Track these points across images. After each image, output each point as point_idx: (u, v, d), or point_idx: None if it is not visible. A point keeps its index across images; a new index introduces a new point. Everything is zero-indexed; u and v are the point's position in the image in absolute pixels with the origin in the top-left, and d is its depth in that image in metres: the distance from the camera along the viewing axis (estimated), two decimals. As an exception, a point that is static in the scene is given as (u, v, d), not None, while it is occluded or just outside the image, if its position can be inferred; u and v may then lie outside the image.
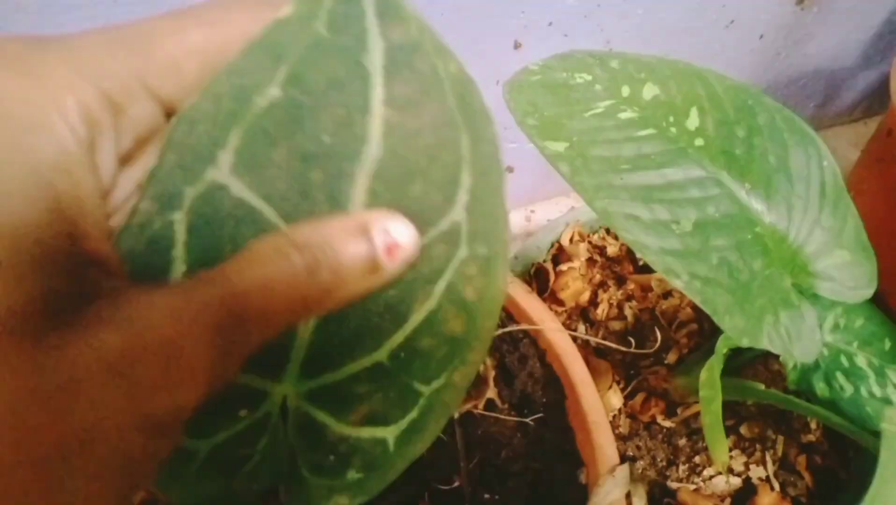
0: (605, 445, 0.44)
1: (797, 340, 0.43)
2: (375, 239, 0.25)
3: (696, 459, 0.67)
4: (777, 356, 0.67)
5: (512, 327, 0.49)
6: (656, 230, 0.43)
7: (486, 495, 0.47)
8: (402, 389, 0.30)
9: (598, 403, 0.45)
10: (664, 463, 0.68)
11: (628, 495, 0.43)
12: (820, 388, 0.52)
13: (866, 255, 0.48)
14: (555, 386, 0.50)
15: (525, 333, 0.51)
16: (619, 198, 0.43)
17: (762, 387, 0.59)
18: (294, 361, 0.31)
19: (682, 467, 0.67)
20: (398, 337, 0.30)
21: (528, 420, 0.49)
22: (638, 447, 0.66)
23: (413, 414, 0.30)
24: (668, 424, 0.69)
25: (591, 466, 0.44)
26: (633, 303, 0.75)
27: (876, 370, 0.53)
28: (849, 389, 0.51)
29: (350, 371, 0.31)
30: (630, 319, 0.75)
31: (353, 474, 0.30)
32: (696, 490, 0.65)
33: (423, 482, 0.48)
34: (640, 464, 0.67)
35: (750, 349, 0.61)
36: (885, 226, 0.74)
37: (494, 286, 0.30)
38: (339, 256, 0.24)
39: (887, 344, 0.55)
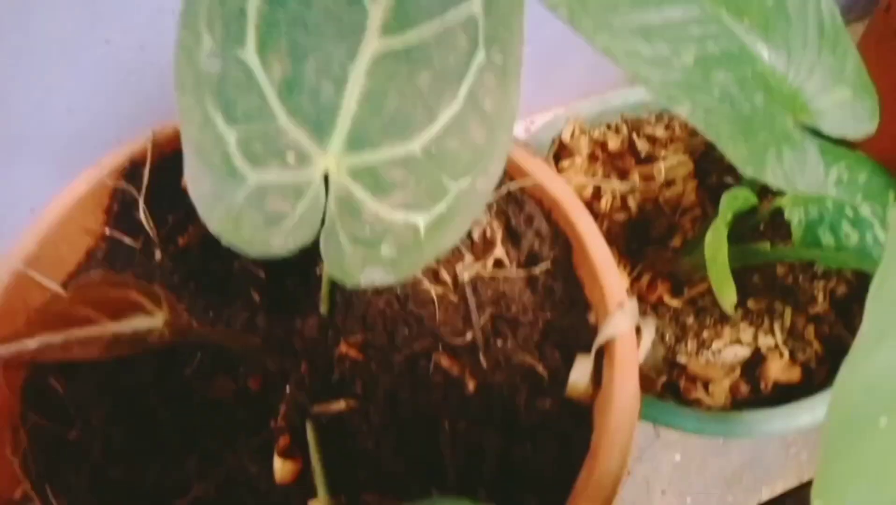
0: (612, 284, 0.44)
1: (801, 173, 0.44)
2: None
3: (705, 334, 0.68)
4: (781, 225, 0.68)
5: (518, 183, 0.49)
6: (658, 64, 0.43)
7: (500, 342, 0.48)
8: (433, 182, 0.35)
9: (604, 248, 0.46)
10: (673, 340, 0.69)
11: (638, 329, 0.43)
12: (826, 238, 0.52)
13: (867, 91, 0.48)
14: (561, 241, 0.50)
15: (530, 194, 0.51)
16: (620, 36, 0.43)
17: (768, 246, 0.59)
18: (339, 131, 0.35)
19: (690, 343, 0.68)
20: (429, 132, 0.35)
21: (536, 272, 0.50)
22: (647, 325, 0.67)
23: (442, 207, 0.35)
24: (675, 303, 0.70)
25: (601, 306, 0.44)
26: (637, 194, 0.75)
27: (880, 218, 0.53)
28: (854, 237, 0.52)
29: (388, 155, 0.35)
30: (634, 209, 0.75)
31: (386, 250, 0.34)
32: (705, 363, 0.66)
33: (437, 337, 0.49)
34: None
35: (752, 216, 0.61)
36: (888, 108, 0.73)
37: (509, 101, 0.35)
38: None
39: (891, 196, 0.56)
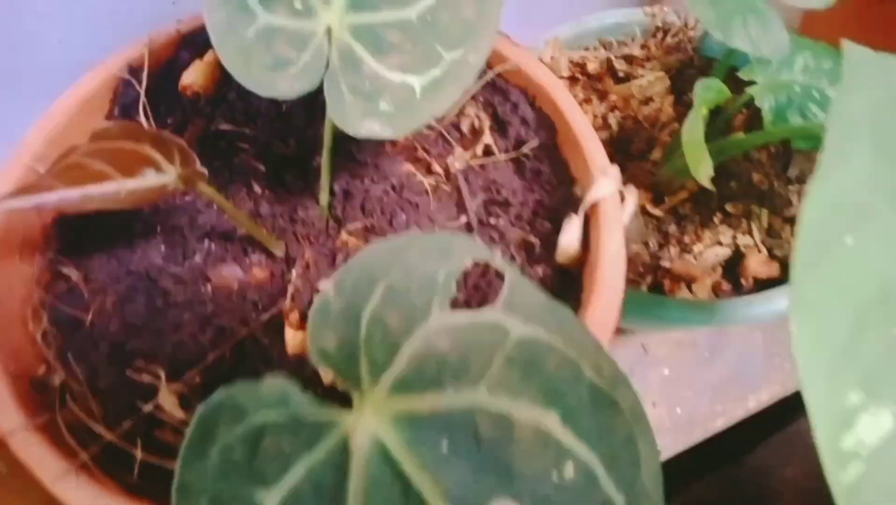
0: (594, 152, 0.47)
1: (765, 39, 0.46)
2: None
3: (686, 239, 0.71)
4: (754, 122, 0.71)
5: (503, 67, 0.52)
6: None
7: (493, 221, 0.50)
8: (427, 49, 0.38)
9: (585, 122, 0.48)
10: (656, 247, 0.72)
11: (621, 196, 0.46)
12: (795, 120, 0.55)
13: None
14: (546, 125, 0.53)
15: (515, 84, 0.54)
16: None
17: (742, 134, 0.62)
18: None
19: (673, 249, 0.71)
20: (424, 2, 0.39)
21: (523, 158, 0.52)
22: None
23: (436, 72, 0.38)
24: (656, 211, 0.73)
25: (585, 177, 0.47)
26: (617, 113, 0.78)
27: (846, 102, 0.56)
28: (822, 116, 0.55)
29: (386, 18, 0.39)
30: (615, 127, 0.78)
31: (385, 106, 0.37)
32: (688, 264, 0.69)
33: (433, 221, 0.51)
34: (633, 247, 0.71)
35: (725, 111, 0.64)
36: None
37: None
38: None
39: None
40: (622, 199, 0.47)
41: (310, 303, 0.48)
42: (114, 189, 0.37)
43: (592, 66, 0.80)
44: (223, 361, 0.45)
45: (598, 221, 0.45)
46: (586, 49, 0.82)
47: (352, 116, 0.39)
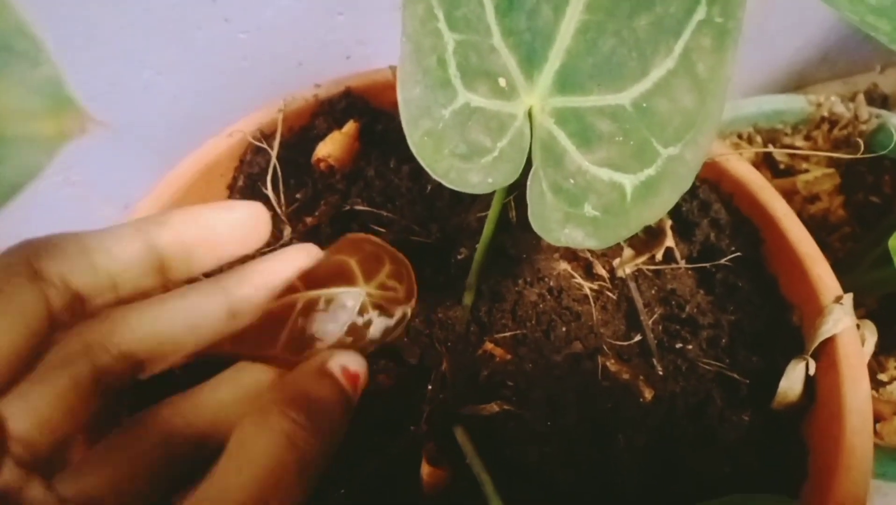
0: (823, 276, 0.37)
1: None
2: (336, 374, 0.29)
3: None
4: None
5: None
6: (884, 13, 0.37)
7: (678, 346, 0.41)
8: (641, 142, 0.32)
9: (806, 236, 0.39)
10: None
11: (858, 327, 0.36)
12: None
13: None
14: (745, 231, 0.44)
15: (704, 178, 0.45)
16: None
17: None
18: (550, 66, 0.32)
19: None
20: (641, 86, 0.32)
21: (711, 268, 0.43)
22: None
23: (650, 171, 0.32)
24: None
25: (808, 304, 0.37)
26: (774, 209, 0.68)
27: None
28: None
29: (597, 103, 0.32)
30: (771, 226, 0.68)
31: (590, 210, 0.31)
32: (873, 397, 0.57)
33: (598, 337, 0.42)
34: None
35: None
36: None
37: (724, 67, 0.32)
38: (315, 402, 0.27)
39: None
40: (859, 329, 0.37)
41: (446, 430, 0.39)
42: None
43: (748, 156, 0.71)
44: (354, 497, 0.36)
45: (835, 363, 0.35)
46: (739, 137, 0.73)
47: (552, 221, 0.31)
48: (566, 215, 0.31)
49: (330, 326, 0.30)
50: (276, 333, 0.29)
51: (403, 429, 0.40)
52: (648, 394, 0.39)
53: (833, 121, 0.72)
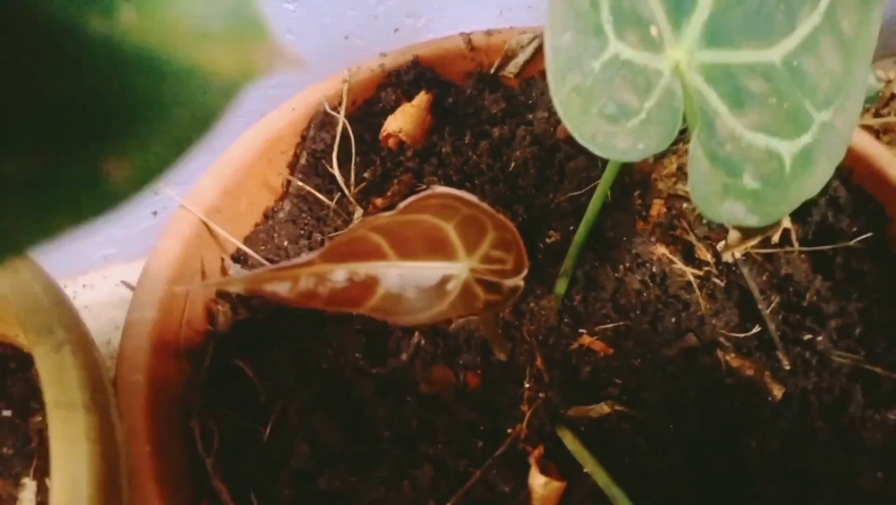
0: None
1: None
2: None
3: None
4: None
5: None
6: None
7: (806, 337, 0.37)
8: (794, 105, 0.29)
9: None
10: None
11: None
12: None
13: None
14: (869, 210, 0.39)
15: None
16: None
17: None
18: (697, 17, 0.28)
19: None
20: (788, 42, 0.29)
21: (829, 252, 0.39)
22: None
23: (806, 138, 0.29)
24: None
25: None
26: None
27: None
28: None
29: (746, 59, 0.29)
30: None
31: (749, 182, 0.28)
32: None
33: (713, 328, 0.38)
34: None
35: None
36: None
37: (869, 28, 0.29)
38: None
39: None
40: None
41: (550, 430, 0.35)
42: (364, 274, 0.25)
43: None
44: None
45: None
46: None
47: (711, 193, 0.27)
48: (725, 187, 0.27)
49: (421, 302, 0.26)
50: (360, 300, 0.25)
51: (499, 433, 0.35)
52: (778, 391, 0.35)
53: (907, 97, 0.68)
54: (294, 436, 0.34)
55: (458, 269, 0.27)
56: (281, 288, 0.23)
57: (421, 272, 0.26)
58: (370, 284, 0.25)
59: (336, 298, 0.24)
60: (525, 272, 0.27)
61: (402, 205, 0.24)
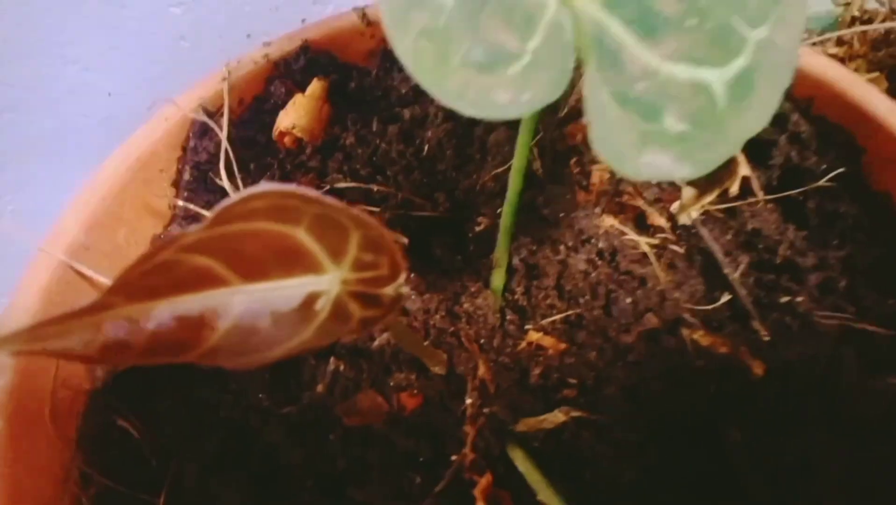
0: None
1: None
2: None
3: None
4: None
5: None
6: None
7: (783, 299, 0.31)
8: (720, 23, 0.24)
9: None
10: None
11: None
12: None
13: None
14: (837, 142, 0.34)
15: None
16: None
17: None
18: None
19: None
20: None
21: (798, 195, 0.33)
22: None
23: (740, 62, 0.23)
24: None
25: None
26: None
27: None
28: None
29: None
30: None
31: (673, 124, 0.22)
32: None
33: (675, 303, 0.32)
34: None
35: None
36: None
37: None
38: None
39: None
40: None
41: (499, 455, 0.30)
42: (221, 303, 0.19)
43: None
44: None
45: None
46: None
47: (625, 145, 0.21)
48: (642, 135, 0.22)
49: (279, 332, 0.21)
50: (194, 343, 0.19)
51: (442, 461, 0.30)
52: (758, 368, 0.30)
53: (866, 20, 0.63)
54: (194, 502, 0.28)
55: (327, 282, 0.21)
56: (75, 343, 0.18)
57: (277, 294, 0.21)
58: (206, 319, 0.19)
59: (158, 344, 0.18)
60: (403, 275, 0.22)
61: (214, 213, 0.18)
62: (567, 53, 0.21)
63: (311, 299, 0.21)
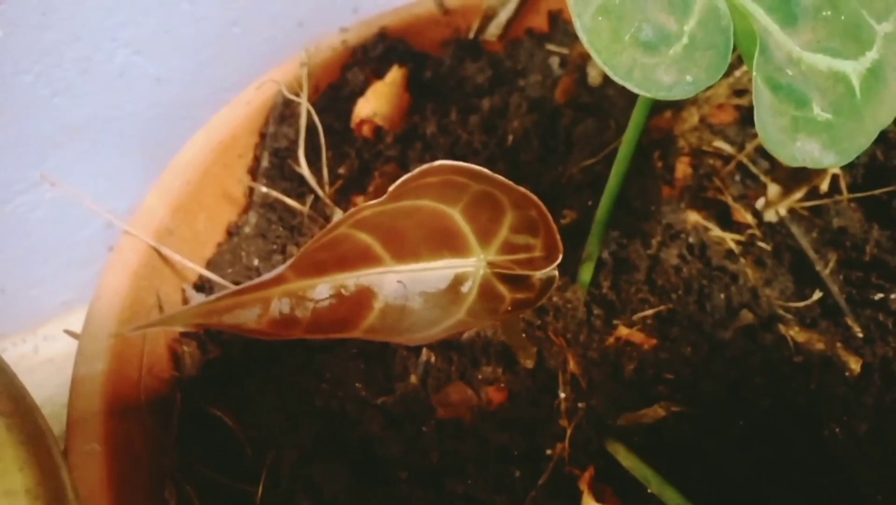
0: None
1: None
2: None
3: None
4: None
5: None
6: None
7: (877, 296, 0.31)
8: (852, 16, 0.24)
9: None
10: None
11: None
12: None
13: None
14: (926, 142, 0.34)
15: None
16: None
17: None
18: None
19: None
20: None
21: (880, 194, 0.34)
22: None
23: (873, 54, 0.24)
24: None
25: None
26: None
27: None
28: None
29: None
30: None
31: (819, 112, 0.23)
32: None
33: (768, 300, 0.32)
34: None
35: None
36: None
37: None
38: None
39: None
40: None
41: (598, 445, 0.30)
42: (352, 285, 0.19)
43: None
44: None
45: None
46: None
47: (779, 130, 0.21)
48: (795, 121, 0.22)
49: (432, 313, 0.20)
50: (354, 321, 0.19)
51: (537, 456, 0.30)
52: (855, 364, 0.30)
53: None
54: (292, 491, 0.28)
55: (472, 265, 0.21)
56: (247, 317, 0.17)
57: (426, 275, 0.20)
58: (364, 298, 0.19)
59: (321, 321, 0.18)
60: (560, 258, 0.21)
61: (392, 188, 0.18)
62: (725, 37, 0.21)
63: (458, 281, 0.21)
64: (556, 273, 0.22)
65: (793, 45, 0.22)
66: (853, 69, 0.23)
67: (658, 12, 0.20)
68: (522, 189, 0.20)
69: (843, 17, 0.24)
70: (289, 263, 0.18)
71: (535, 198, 0.20)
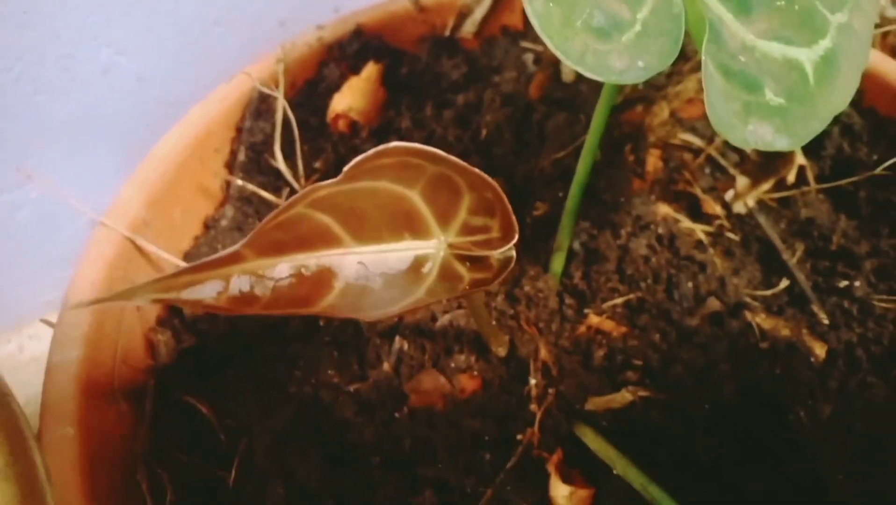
0: None
1: None
2: None
3: None
4: None
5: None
6: None
7: (842, 284, 0.32)
8: (806, 6, 0.25)
9: None
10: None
11: None
12: None
13: None
14: (889, 134, 0.35)
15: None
16: None
17: None
18: None
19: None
20: None
21: (848, 186, 0.34)
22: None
23: (825, 43, 0.25)
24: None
25: None
26: None
27: None
28: None
29: None
30: None
31: (772, 97, 0.24)
32: None
33: (735, 288, 0.33)
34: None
35: None
36: None
37: None
38: None
39: None
40: None
41: (567, 430, 0.30)
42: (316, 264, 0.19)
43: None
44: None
45: None
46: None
47: (731, 114, 0.22)
48: (746, 105, 0.22)
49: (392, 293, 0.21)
50: (314, 299, 0.19)
51: (508, 441, 0.30)
52: (820, 350, 0.31)
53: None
54: (265, 477, 0.28)
55: (433, 246, 0.21)
56: (206, 293, 0.17)
57: (387, 256, 0.21)
58: (324, 278, 0.19)
59: (281, 299, 0.19)
60: (515, 238, 0.22)
61: (347, 168, 0.18)
62: (676, 25, 0.22)
63: (419, 262, 0.21)
64: (514, 253, 0.22)
65: (746, 33, 0.23)
66: (807, 57, 0.24)
67: (610, 1, 0.21)
68: (477, 171, 0.21)
69: (796, 7, 0.24)
70: (244, 240, 0.18)
71: (490, 179, 0.21)
